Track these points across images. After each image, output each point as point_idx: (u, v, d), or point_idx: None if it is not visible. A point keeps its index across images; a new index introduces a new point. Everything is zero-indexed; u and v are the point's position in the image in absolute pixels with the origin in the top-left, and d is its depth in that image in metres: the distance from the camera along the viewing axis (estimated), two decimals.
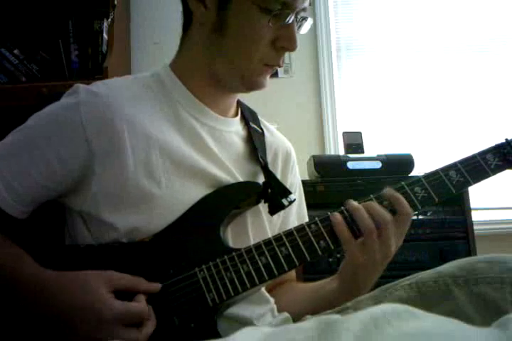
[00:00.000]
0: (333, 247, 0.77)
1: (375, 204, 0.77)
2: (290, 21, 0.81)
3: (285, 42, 0.82)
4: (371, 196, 0.80)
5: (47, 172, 0.78)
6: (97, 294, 0.67)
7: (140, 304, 0.70)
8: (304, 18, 0.85)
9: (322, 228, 0.77)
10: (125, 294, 0.70)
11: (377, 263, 0.78)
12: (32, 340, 0.70)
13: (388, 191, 0.79)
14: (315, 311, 0.86)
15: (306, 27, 0.87)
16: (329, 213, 0.78)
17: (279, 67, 0.87)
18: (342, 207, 0.79)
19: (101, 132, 0.77)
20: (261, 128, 0.98)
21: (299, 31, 0.86)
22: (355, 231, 0.77)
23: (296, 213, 1.01)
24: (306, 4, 0.83)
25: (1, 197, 0.76)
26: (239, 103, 0.98)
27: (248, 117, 0.96)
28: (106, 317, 0.66)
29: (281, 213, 0.91)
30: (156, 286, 0.74)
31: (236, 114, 0.96)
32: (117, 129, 0.78)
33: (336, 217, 0.77)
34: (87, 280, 0.69)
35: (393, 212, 0.78)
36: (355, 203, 0.78)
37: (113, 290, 0.69)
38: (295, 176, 1.03)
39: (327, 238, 0.77)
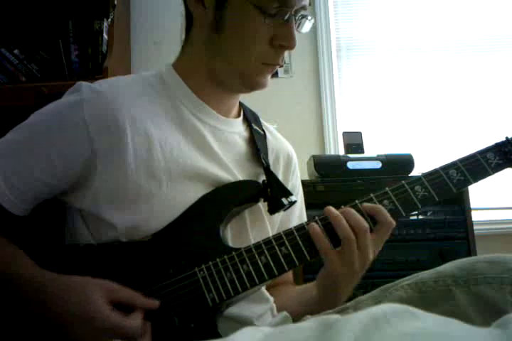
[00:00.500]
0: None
1: (352, 211, 0.76)
2: (288, 19, 0.81)
3: (283, 40, 0.82)
4: (371, 195, 0.79)
5: (48, 170, 0.77)
6: (95, 304, 0.66)
7: (135, 321, 0.68)
8: (304, 17, 0.84)
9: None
10: (124, 307, 0.69)
11: (355, 273, 0.77)
12: (30, 340, 0.69)
13: (365, 205, 0.77)
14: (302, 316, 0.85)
15: (307, 26, 0.86)
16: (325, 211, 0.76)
17: (279, 66, 0.86)
18: (317, 217, 0.78)
19: (103, 130, 0.77)
20: (263, 131, 0.97)
21: (299, 30, 0.85)
22: (333, 240, 0.75)
23: (298, 212, 1.01)
24: (305, 3, 0.83)
25: (2, 195, 0.76)
26: (241, 104, 0.97)
27: (250, 119, 0.96)
28: (101, 327, 0.65)
29: (282, 212, 0.90)
30: (154, 303, 0.72)
31: (238, 115, 0.95)
32: (120, 128, 0.78)
33: (314, 227, 0.76)
34: (85, 288, 0.68)
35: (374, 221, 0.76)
36: (334, 211, 0.77)
37: (110, 302, 0.68)
38: (297, 179, 1.02)
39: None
